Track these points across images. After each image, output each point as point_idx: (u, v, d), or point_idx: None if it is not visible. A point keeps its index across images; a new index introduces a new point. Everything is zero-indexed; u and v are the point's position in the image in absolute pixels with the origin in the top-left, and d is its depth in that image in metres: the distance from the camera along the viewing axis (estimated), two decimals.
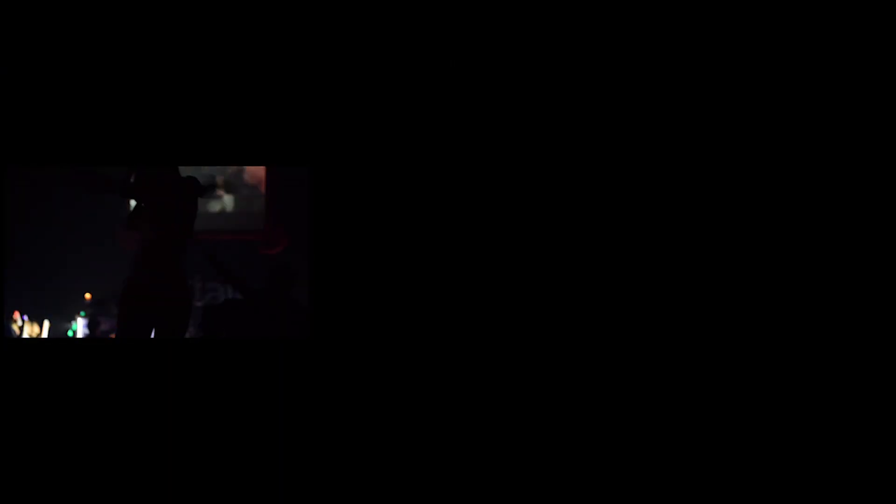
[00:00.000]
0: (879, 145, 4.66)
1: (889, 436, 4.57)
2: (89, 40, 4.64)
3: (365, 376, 4.66)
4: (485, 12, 4.70)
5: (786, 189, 4.68)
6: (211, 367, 4.63)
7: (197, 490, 4.58)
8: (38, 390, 4.60)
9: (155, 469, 4.59)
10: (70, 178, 5.24)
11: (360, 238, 4.71)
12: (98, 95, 4.65)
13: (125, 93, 4.65)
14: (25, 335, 5.60)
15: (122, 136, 4.66)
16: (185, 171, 4.93)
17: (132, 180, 4.88)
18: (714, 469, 4.61)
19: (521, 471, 4.63)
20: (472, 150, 4.72)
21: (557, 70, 4.71)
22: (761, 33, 4.69)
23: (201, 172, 5.07)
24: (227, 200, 5.54)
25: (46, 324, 5.77)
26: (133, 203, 4.97)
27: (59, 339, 5.30)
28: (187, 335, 4.97)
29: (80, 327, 5.74)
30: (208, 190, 4.88)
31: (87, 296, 5.96)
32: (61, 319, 5.86)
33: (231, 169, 5.60)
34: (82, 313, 5.79)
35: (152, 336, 4.80)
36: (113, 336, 5.66)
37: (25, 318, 5.70)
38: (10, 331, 5.62)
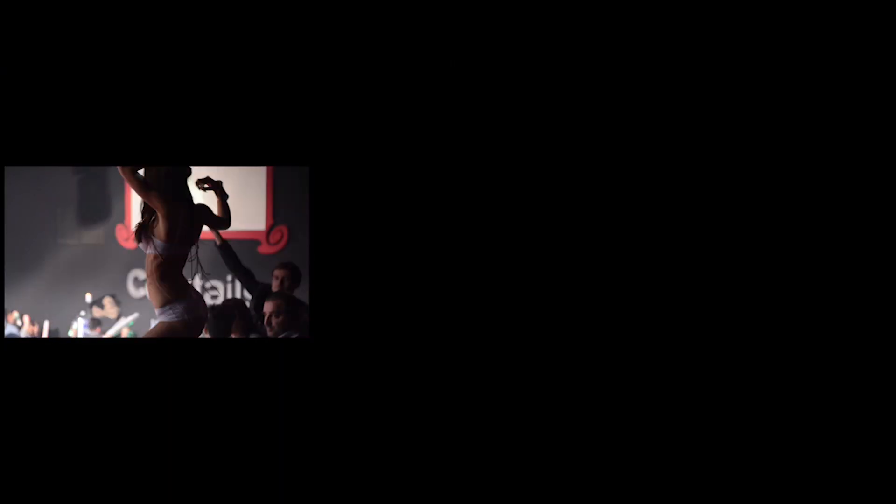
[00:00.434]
0: (879, 145, 4.66)
1: (889, 436, 4.57)
2: (89, 41, 4.64)
3: (364, 376, 4.66)
4: (485, 12, 4.70)
5: (785, 189, 4.68)
6: (211, 366, 4.64)
7: (197, 490, 4.59)
8: (38, 390, 4.61)
9: (155, 469, 4.59)
10: None
11: (359, 238, 4.72)
12: (97, 96, 4.65)
13: (124, 94, 4.66)
14: (24, 334, 5.60)
15: (121, 136, 4.66)
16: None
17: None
18: (713, 469, 4.62)
19: (521, 470, 4.63)
20: (471, 149, 4.72)
21: (557, 70, 4.71)
22: (761, 33, 4.69)
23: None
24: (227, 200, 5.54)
25: (46, 324, 5.76)
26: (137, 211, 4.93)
27: (59, 339, 5.29)
28: None
29: (80, 327, 5.73)
30: (222, 224, 4.82)
31: (88, 295, 5.95)
32: (62, 319, 5.85)
33: (231, 169, 5.59)
34: (82, 313, 5.78)
35: None
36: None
37: (27, 318, 5.69)
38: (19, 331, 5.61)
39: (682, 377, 4.64)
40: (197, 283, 4.95)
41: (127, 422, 4.61)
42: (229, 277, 5.45)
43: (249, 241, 5.41)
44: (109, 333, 5.60)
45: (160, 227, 4.45)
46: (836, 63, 4.67)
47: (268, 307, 4.77)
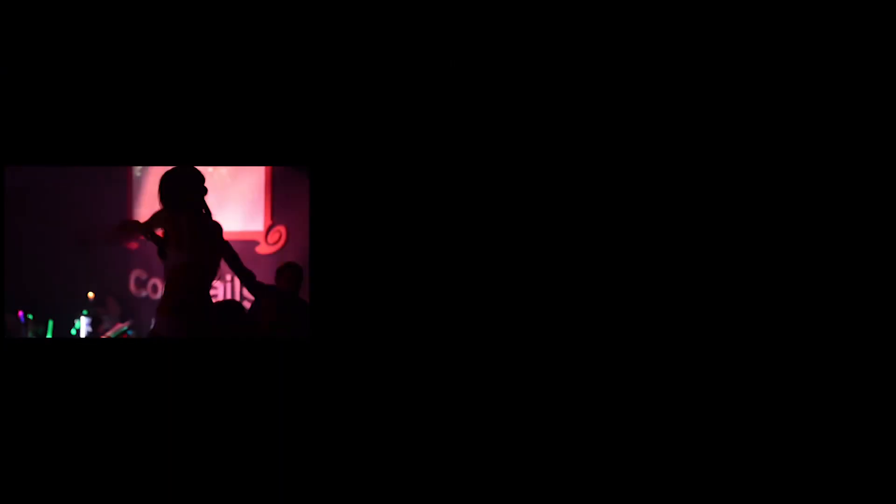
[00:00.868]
0: (879, 145, 4.65)
1: (889, 436, 4.56)
2: (88, 41, 4.65)
3: (364, 376, 4.66)
4: (485, 12, 4.70)
5: (784, 189, 4.68)
6: (211, 366, 4.64)
7: (197, 490, 4.59)
8: (38, 390, 4.61)
9: (155, 469, 4.59)
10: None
11: (359, 237, 4.72)
12: (97, 95, 4.65)
13: (124, 93, 4.66)
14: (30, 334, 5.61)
15: (121, 136, 4.66)
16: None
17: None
18: (712, 468, 4.61)
19: (520, 470, 4.63)
20: (471, 149, 4.71)
21: (557, 70, 4.71)
22: (761, 33, 4.68)
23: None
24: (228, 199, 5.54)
25: (51, 323, 5.78)
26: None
27: (58, 339, 5.30)
28: None
29: (83, 326, 5.74)
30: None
31: (91, 295, 5.96)
32: (63, 319, 5.86)
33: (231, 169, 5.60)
34: (84, 312, 5.79)
35: None
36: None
37: (31, 317, 5.71)
38: (25, 331, 5.62)
39: (681, 378, 4.64)
40: None
41: (127, 422, 4.61)
42: (229, 277, 5.45)
43: (248, 242, 5.42)
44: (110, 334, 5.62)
45: (170, 239, 4.50)
46: (837, 63, 4.66)
47: (269, 304, 4.77)
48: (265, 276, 5.07)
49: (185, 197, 4.62)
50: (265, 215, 5.49)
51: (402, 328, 4.67)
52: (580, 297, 4.67)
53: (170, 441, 4.60)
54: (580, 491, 4.62)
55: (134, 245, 5.98)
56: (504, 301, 4.68)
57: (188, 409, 4.62)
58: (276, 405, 4.63)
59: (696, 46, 4.68)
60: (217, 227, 4.73)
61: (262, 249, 5.52)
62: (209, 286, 4.85)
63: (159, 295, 5.01)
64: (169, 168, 4.67)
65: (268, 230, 5.54)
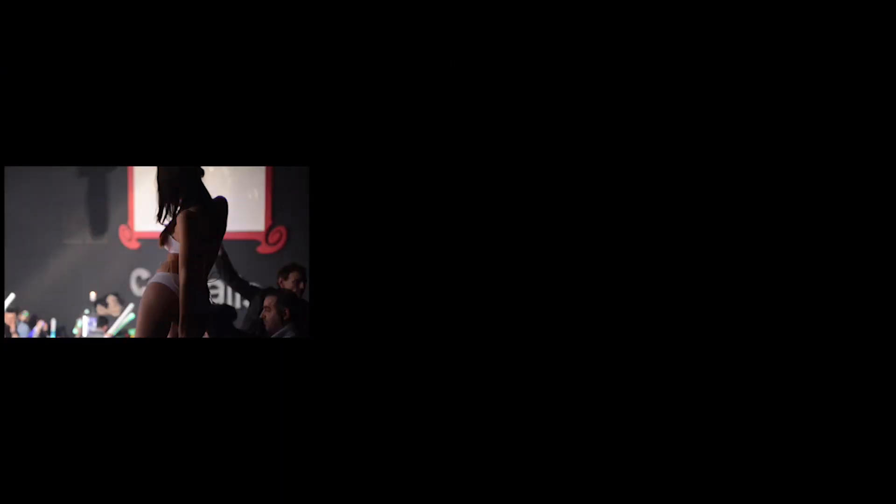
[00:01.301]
0: (879, 145, 4.64)
1: (889, 436, 4.56)
2: (89, 41, 4.65)
3: (364, 376, 4.66)
4: (485, 12, 4.69)
5: (783, 189, 4.67)
6: (211, 366, 4.64)
7: (197, 489, 4.59)
8: (39, 390, 4.62)
9: (155, 468, 4.60)
10: None
11: (359, 237, 4.72)
12: (97, 96, 4.65)
13: (124, 94, 4.66)
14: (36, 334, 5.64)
15: (121, 137, 4.66)
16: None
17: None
18: (713, 469, 4.61)
19: (520, 470, 4.63)
20: (471, 149, 4.71)
21: (556, 70, 4.70)
22: (761, 33, 4.68)
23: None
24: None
25: (53, 322, 5.80)
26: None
27: (58, 339, 5.32)
28: None
29: (84, 326, 5.76)
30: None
31: (92, 294, 5.99)
32: (67, 318, 5.89)
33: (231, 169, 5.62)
34: (86, 311, 5.81)
35: None
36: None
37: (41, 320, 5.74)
38: (32, 332, 5.65)
39: (681, 377, 4.63)
40: None
41: (127, 422, 4.61)
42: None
43: (249, 242, 5.44)
44: (113, 328, 5.64)
45: (179, 227, 4.41)
46: (836, 63, 4.65)
47: (270, 301, 4.77)
48: (265, 277, 5.08)
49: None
50: (266, 216, 5.52)
51: (401, 328, 4.67)
52: (580, 297, 4.67)
53: (170, 440, 4.61)
54: (579, 490, 4.62)
55: (136, 245, 6.01)
56: (504, 300, 4.68)
57: (188, 408, 4.62)
58: (276, 405, 4.64)
59: (696, 46, 4.68)
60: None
61: (263, 249, 5.55)
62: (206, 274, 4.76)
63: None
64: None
65: (268, 230, 5.56)
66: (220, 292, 5.64)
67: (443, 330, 4.68)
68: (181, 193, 4.28)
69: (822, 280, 4.63)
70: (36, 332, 5.64)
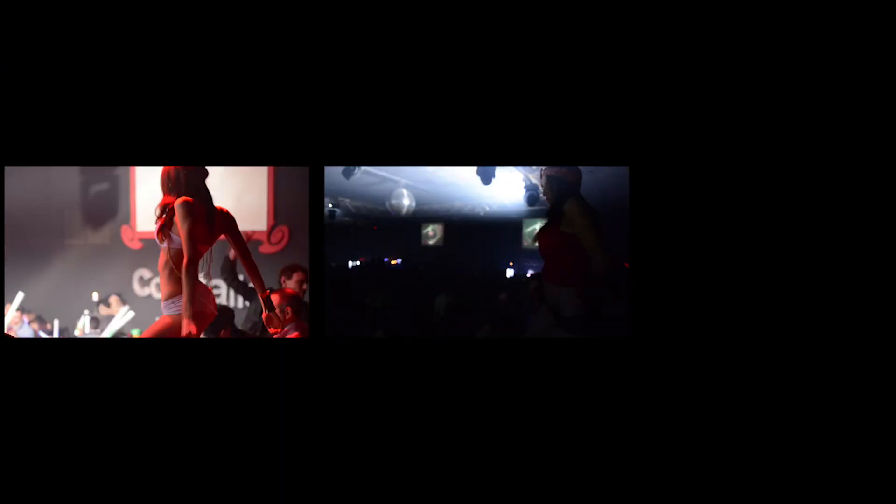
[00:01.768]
0: (880, 145, 4.63)
1: (889, 436, 4.55)
2: (89, 41, 4.65)
3: (364, 376, 4.66)
4: (485, 12, 4.69)
5: (785, 188, 4.66)
6: (211, 366, 4.64)
7: (197, 489, 4.59)
8: (39, 390, 4.62)
9: (155, 468, 4.60)
10: None
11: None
12: (98, 96, 4.66)
13: (125, 94, 4.67)
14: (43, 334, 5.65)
15: (121, 137, 4.67)
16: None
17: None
18: (713, 468, 4.60)
19: (520, 470, 4.62)
20: (471, 149, 4.71)
21: (556, 70, 4.70)
22: (762, 33, 4.67)
23: None
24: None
25: (56, 322, 5.81)
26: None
27: (58, 339, 5.32)
28: None
29: (86, 325, 5.77)
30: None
31: (95, 294, 5.99)
32: (70, 318, 5.89)
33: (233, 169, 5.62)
34: (86, 311, 5.82)
35: None
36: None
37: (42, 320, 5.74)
38: (34, 332, 5.65)
39: (680, 377, 4.63)
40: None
41: (127, 421, 4.62)
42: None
43: (250, 242, 5.43)
44: (113, 327, 5.64)
45: (179, 225, 4.42)
46: (837, 63, 4.64)
47: (275, 299, 4.78)
48: (266, 277, 5.09)
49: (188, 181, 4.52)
50: (268, 215, 5.51)
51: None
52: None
53: (170, 440, 4.61)
54: (579, 490, 4.61)
55: (138, 245, 6.01)
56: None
57: (189, 408, 4.62)
58: (276, 405, 4.63)
59: (696, 46, 4.67)
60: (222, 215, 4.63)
61: (266, 249, 5.54)
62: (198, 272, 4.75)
63: (161, 294, 4.95)
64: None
65: (270, 230, 5.56)
66: (222, 292, 5.65)
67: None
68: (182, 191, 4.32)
69: (822, 279, 4.62)
70: (40, 333, 5.65)
